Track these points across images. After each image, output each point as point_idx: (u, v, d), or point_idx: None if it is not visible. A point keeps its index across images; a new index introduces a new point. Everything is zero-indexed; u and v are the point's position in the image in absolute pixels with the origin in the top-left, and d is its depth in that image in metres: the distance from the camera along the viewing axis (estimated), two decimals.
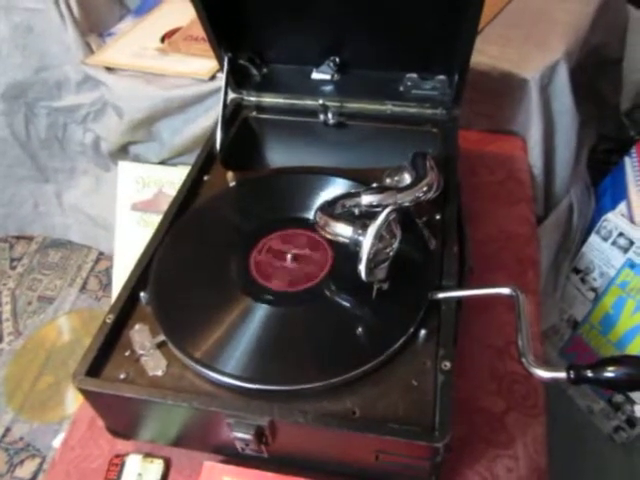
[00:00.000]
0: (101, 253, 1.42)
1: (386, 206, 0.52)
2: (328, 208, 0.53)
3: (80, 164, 1.26)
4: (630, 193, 0.91)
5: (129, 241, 1.13)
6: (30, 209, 1.37)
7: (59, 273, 1.40)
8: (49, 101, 1.13)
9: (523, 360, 0.43)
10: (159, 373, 0.47)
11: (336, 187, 0.62)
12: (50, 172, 1.29)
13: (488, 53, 0.82)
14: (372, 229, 0.46)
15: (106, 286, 1.35)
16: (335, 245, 0.54)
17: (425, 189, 0.55)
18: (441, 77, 0.70)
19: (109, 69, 1.00)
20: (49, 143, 1.22)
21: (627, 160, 0.98)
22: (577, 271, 0.95)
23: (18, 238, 1.48)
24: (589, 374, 0.40)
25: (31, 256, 1.45)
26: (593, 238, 0.90)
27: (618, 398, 0.97)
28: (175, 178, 1.08)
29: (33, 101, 1.14)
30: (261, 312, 0.50)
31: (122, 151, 1.13)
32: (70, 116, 1.14)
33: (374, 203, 0.54)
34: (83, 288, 1.36)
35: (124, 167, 1.11)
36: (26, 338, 1.27)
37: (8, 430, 1.13)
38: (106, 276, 1.37)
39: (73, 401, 1.15)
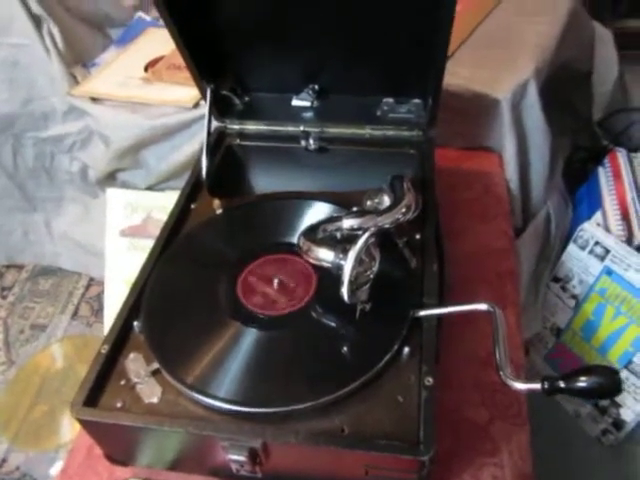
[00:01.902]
0: (92, 279, 1.43)
1: (367, 229, 0.54)
2: (310, 233, 0.55)
3: (68, 192, 1.27)
4: (605, 202, 0.94)
5: (119, 266, 1.15)
6: (19, 238, 1.38)
7: (50, 300, 1.41)
8: (36, 132, 1.14)
9: (501, 373, 0.46)
10: (154, 400, 0.49)
11: (319, 211, 0.64)
12: (38, 201, 1.30)
13: (461, 75, 0.85)
14: (352, 254, 0.48)
15: (98, 312, 1.36)
16: (319, 268, 0.56)
17: (404, 210, 0.57)
18: (416, 101, 0.73)
19: (94, 99, 1.02)
20: (37, 173, 1.23)
21: (601, 170, 1.01)
22: (557, 279, 0.98)
23: (8, 267, 1.48)
24: (562, 385, 0.43)
25: (22, 284, 1.45)
26: (571, 247, 0.93)
27: (604, 402, 1.00)
28: (163, 203, 1.10)
29: (20, 132, 1.15)
30: (250, 336, 0.52)
31: (110, 178, 1.14)
32: (57, 145, 1.15)
33: (355, 226, 0.56)
34: (75, 314, 1.37)
35: (112, 194, 1.12)
36: (19, 367, 1.27)
37: (4, 460, 1.13)
38: (97, 302, 1.38)
39: (68, 428, 1.16)
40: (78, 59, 1.11)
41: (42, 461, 1.12)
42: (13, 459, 1.13)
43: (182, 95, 0.98)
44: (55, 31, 1.05)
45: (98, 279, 1.39)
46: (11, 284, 1.46)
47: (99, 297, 1.38)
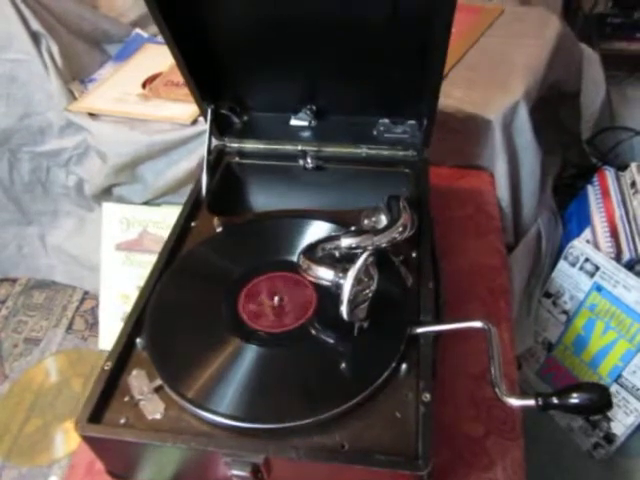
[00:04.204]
0: (86, 293, 1.42)
1: (365, 247, 0.56)
2: (310, 252, 0.56)
3: (63, 206, 1.28)
4: (594, 220, 0.97)
5: (115, 280, 1.15)
6: (14, 252, 1.38)
7: (44, 314, 1.41)
8: (32, 146, 1.15)
9: (496, 390, 0.47)
10: (158, 416, 0.49)
11: (317, 229, 0.65)
12: (33, 215, 1.31)
13: (453, 96, 0.87)
14: (351, 273, 0.50)
15: (92, 325, 1.36)
16: (318, 287, 0.57)
17: (400, 230, 0.59)
18: (411, 122, 0.74)
19: (92, 115, 1.03)
20: (32, 186, 1.24)
21: (589, 188, 1.04)
22: (548, 295, 1.00)
23: (2, 281, 1.48)
24: (555, 401, 0.44)
25: (15, 298, 1.45)
26: (561, 264, 0.95)
27: (595, 416, 1.01)
28: (159, 218, 1.11)
29: (16, 147, 1.16)
30: (251, 353, 0.53)
31: (106, 193, 1.15)
32: (53, 160, 1.16)
33: (353, 245, 0.57)
34: (69, 328, 1.37)
35: (108, 208, 1.13)
36: (13, 381, 1.27)
37: None
38: (92, 315, 1.38)
39: (62, 443, 1.15)
40: (76, 75, 1.12)
41: (35, 476, 1.11)
42: (6, 475, 1.12)
43: (180, 112, 1.00)
44: (54, 48, 1.06)
45: (92, 293, 1.40)
46: (4, 298, 1.45)
47: (93, 311, 1.38)
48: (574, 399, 0.44)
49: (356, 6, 0.62)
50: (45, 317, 1.40)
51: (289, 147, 0.77)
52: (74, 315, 1.40)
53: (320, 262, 0.54)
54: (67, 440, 1.15)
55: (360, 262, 0.50)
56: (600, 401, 0.44)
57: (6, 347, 1.34)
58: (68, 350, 1.32)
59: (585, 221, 0.98)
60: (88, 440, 0.49)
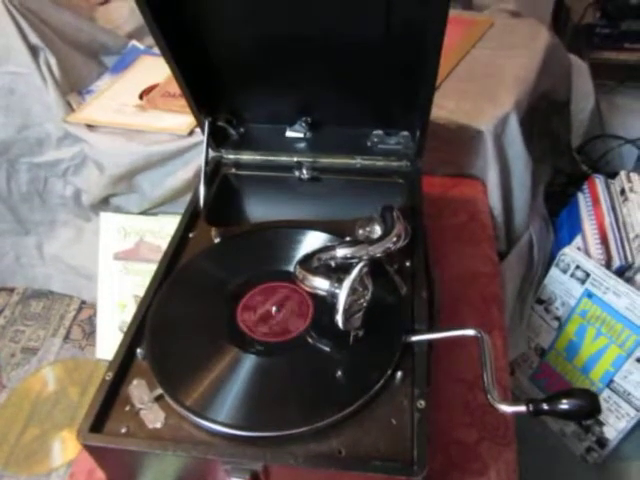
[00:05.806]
0: (83, 302, 1.43)
1: (359, 257, 0.57)
2: (306, 262, 0.57)
3: (61, 216, 1.29)
4: (584, 227, 0.98)
5: (112, 289, 1.16)
6: (11, 261, 1.38)
7: (42, 323, 1.41)
8: (30, 157, 1.16)
9: (489, 397, 0.48)
10: (158, 425, 0.50)
11: (313, 240, 0.67)
12: (31, 225, 1.32)
13: (446, 107, 0.89)
14: (347, 283, 0.51)
15: (89, 335, 1.36)
16: (315, 296, 0.58)
17: (394, 240, 0.60)
18: (404, 133, 0.76)
19: (89, 126, 1.05)
20: (30, 197, 1.25)
21: (580, 195, 1.05)
22: (540, 301, 1.01)
23: None
24: (545, 407, 0.46)
25: (13, 307, 1.45)
26: (553, 271, 0.97)
27: (588, 420, 1.02)
28: (156, 227, 1.12)
29: (15, 157, 1.17)
30: (249, 362, 0.54)
31: (103, 202, 1.16)
32: (51, 170, 1.17)
33: (348, 255, 0.58)
34: (66, 337, 1.37)
35: (106, 218, 1.14)
36: (10, 391, 1.27)
37: None
38: (89, 325, 1.38)
39: (60, 452, 1.16)
40: (73, 87, 1.13)
41: None
42: None
43: (177, 123, 1.01)
44: (52, 60, 1.07)
45: (90, 302, 1.40)
46: (2, 307, 1.46)
47: (91, 320, 1.39)
48: (564, 405, 0.45)
49: (350, 22, 0.63)
50: (42, 326, 1.41)
51: (285, 158, 0.78)
52: (71, 324, 1.40)
53: (316, 272, 0.56)
54: (65, 449, 1.16)
55: (355, 272, 0.52)
56: (589, 406, 0.45)
57: (3, 356, 1.35)
58: (65, 359, 1.33)
59: (576, 228, 1.00)
60: (90, 449, 0.50)
